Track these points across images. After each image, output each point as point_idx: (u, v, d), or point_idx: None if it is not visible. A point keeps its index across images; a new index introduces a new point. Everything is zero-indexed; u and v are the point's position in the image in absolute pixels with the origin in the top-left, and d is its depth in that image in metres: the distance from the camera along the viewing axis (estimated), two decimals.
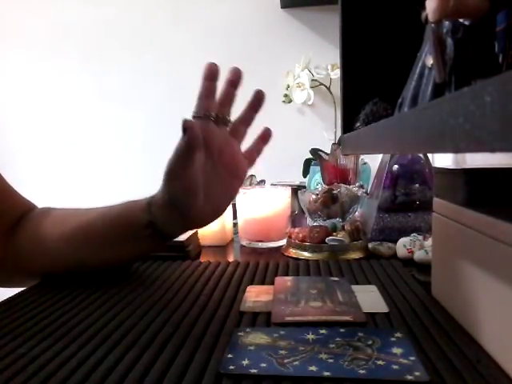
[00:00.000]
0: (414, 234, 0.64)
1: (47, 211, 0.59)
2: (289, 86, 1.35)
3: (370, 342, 0.34)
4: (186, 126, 0.44)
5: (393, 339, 0.34)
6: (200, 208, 0.49)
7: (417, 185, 0.73)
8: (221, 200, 0.52)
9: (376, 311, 0.41)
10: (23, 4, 1.52)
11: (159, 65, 1.49)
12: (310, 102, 1.34)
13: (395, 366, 0.30)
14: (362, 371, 0.29)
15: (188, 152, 0.45)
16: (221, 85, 0.52)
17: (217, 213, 0.53)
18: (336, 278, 0.51)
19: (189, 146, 0.45)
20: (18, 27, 1.53)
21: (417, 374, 0.29)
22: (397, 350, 0.32)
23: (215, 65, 0.51)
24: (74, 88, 1.53)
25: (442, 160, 0.83)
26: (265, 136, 0.56)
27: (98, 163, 1.53)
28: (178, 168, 0.46)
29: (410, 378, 0.29)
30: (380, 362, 0.31)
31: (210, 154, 0.50)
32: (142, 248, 0.54)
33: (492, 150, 0.14)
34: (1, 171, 0.59)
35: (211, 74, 0.51)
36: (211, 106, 0.50)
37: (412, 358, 0.31)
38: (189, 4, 1.47)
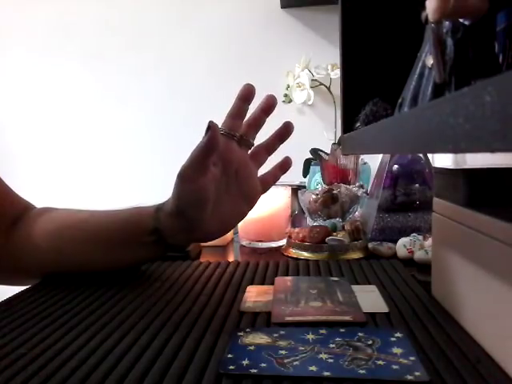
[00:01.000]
0: (414, 234, 0.64)
1: (47, 211, 0.59)
2: (289, 86, 1.35)
3: (369, 342, 0.34)
4: (210, 125, 0.44)
5: (393, 339, 0.34)
6: (206, 222, 0.49)
7: (417, 185, 0.73)
8: (228, 219, 0.52)
9: (376, 311, 0.41)
10: (23, 3, 1.52)
11: (160, 65, 1.49)
12: (310, 102, 1.34)
13: (395, 366, 0.30)
14: (361, 371, 0.29)
15: (204, 155, 0.45)
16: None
17: (221, 231, 0.53)
18: (336, 278, 0.51)
19: (207, 148, 0.45)
20: (17, 26, 1.53)
21: (417, 373, 0.29)
22: (397, 350, 0.32)
23: (252, 87, 0.52)
24: (74, 88, 1.53)
25: (442, 160, 0.83)
26: (284, 165, 0.56)
27: (98, 164, 1.53)
28: (192, 171, 0.46)
29: (410, 378, 0.29)
30: (380, 362, 0.31)
31: (227, 171, 0.50)
32: (144, 254, 0.54)
33: (492, 150, 0.14)
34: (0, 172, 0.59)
35: (246, 95, 0.51)
36: (237, 126, 0.51)
37: (412, 358, 0.31)
38: (189, 4, 1.47)
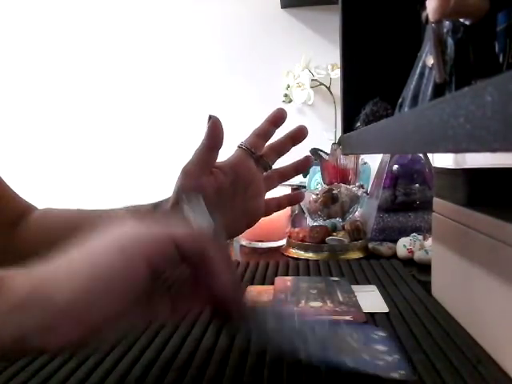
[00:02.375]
0: (414, 234, 0.64)
1: (47, 212, 0.58)
2: (289, 86, 1.35)
3: (355, 338, 0.33)
4: (211, 116, 0.45)
5: (375, 337, 0.34)
6: None
7: (417, 185, 0.73)
8: (225, 230, 0.52)
9: (376, 311, 0.41)
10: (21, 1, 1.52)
11: (157, 65, 1.49)
12: (310, 102, 1.34)
13: (380, 363, 0.30)
14: (348, 363, 0.29)
15: (208, 149, 0.46)
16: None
17: None
18: (336, 278, 0.51)
19: (209, 141, 0.45)
20: (15, 25, 1.53)
21: (401, 372, 0.29)
22: (380, 348, 0.32)
23: (285, 112, 0.52)
24: (73, 87, 1.53)
25: (442, 160, 0.83)
26: (295, 197, 0.57)
27: (97, 164, 1.53)
28: (196, 167, 0.47)
29: (395, 375, 0.28)
30: (365, 356, 0.30)
31: (236, 184, 0.50)
32: None
33: (493, 150, 0.14)
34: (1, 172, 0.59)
35: (276, 119, 0.51)
36: (259, 145, 0.51)
37: (396, 356, 0.31)
38: (189, 4, 1.47)
